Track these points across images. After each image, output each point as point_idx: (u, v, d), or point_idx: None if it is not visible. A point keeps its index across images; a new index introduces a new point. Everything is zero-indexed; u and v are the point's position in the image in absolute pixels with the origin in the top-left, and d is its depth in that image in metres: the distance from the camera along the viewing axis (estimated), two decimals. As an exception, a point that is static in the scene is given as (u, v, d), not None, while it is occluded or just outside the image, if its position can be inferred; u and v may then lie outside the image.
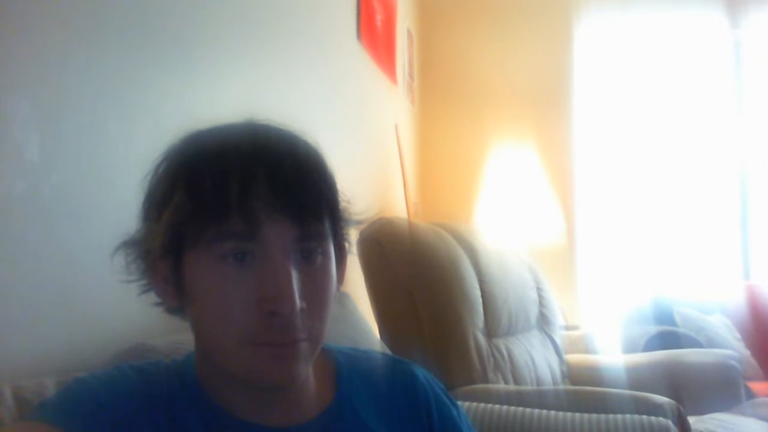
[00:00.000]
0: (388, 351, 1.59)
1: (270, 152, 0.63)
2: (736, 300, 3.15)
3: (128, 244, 0.67)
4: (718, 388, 2.25)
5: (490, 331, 2.02)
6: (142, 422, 0.63)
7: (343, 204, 0.69)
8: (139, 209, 0.66)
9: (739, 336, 2.95)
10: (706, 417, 1.99)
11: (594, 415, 1.44)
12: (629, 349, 2.71)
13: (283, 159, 0.62)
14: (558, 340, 2.47)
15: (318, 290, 0.64)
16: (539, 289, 2.46)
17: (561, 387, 2.21)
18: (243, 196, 0.60)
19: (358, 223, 0.72)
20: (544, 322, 2.43)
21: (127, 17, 1.12)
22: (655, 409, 1.46)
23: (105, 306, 1.02)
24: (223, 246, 0.61)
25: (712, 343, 2.74)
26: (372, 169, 2.67)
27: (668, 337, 2.74)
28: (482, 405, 1.52)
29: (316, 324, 0.64)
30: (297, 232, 0.62)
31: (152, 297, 0.69)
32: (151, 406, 0.64)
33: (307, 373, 0.69)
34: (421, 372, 0.79)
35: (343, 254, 0.72)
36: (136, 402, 0.63)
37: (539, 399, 1.59)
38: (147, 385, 0.66)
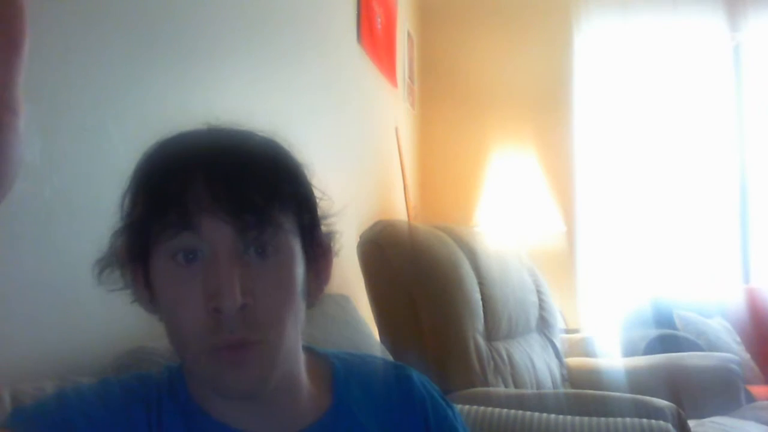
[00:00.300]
0: (388, 353, 1.58)
1: (212, 150, 0.64)
2: (736, 303, 3.15)
3: (108, 256, 0.67)
4: (718, 392, 2.25)
5: (490, 334, 2.02)
6: None
7: (313, 200, 0.68)
8: (119, 219, 0.67)
9: (739, 339, 2.95)
10: (706, 420, 1.98)
11: (594, 419, 1.44)
12: (629, 352, 2.71)
13: (225, 155, 0.63)
14: (558, 344, 2.46)
15: (270, 287, 0.62)
16: (539, 292, 2.46)
17: (561, 390, 2.21)
18: (180, 192, 0.61)
19: (328, 217, 0.70)
20: (544, 325, 2.43)
21: (128, 17, 1.12)
22: (655, 413, 1.46)
23: (105, 308, 1.02)
24: (166, 244, 0.61)
25: (712, 347, 2.74)
26: (372, 172, 2.67)
27: (668, 341, 2.74)
28: (482, 408, 1.51)
29: (272, 324, 0.62)
30: (236, 224, 0.61)
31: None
32: (130, 424, 0.63)
33: (294, 383, 0.68)
34: (416, 375, 0.79)
35: (321, 252, 0.70)
36: (111, 419, 0.63)
37: (539, 402, 1.58)
38: (129, 402, 0.65)
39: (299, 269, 0.65)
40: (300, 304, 0.65)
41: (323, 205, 0.69)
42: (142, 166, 0.66)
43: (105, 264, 0.67)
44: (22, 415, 0.61)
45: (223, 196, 0.60)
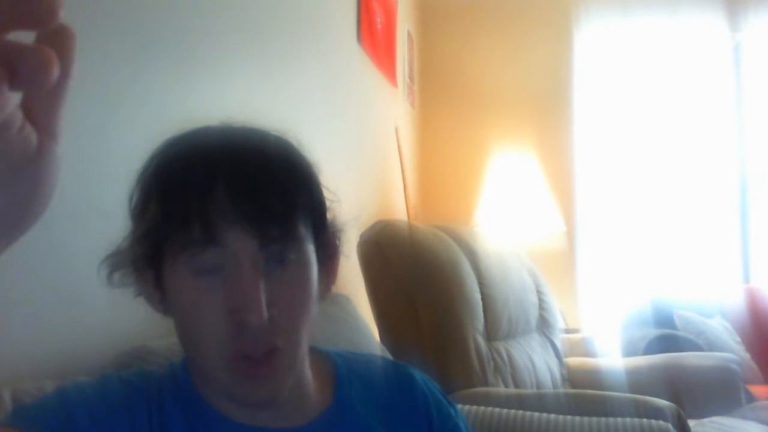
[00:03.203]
0: (388, 354, 1.58)
1: (232, 158, 0.62)
2: (735, 303, 3.15)
3: (116, 255, 0.67)
4: (718, 392, 2.25)
5: (490, 334, 2.02)
6: None
7: (325, 202, 0.68)
8: (127, 217, 0.66)
9: (738, 339, 2.95)
10: (706, 420, 1.99)
11: (594, 419, 1.44)
12: (629, 352, 2.71)
13: (243, 160, 0.62)
14: (558, 344, 2.46)
15: (292, 296, 0.63)
16: (539, 292, 2.46)
17: (561, 390, 2.21)
18: (202, 204, 0.60)
19: (343, 221, 0.71)
20: (544, 325, 2.43)
21: (128, 18, 1.12)
22: (655, 413, 1.46)
23: (106, 308, 1.02)
24: (189, 257, 0.60)
25: (712, 347, 2.74)
26: (372, 172, 2.67)
27: (668, 341, 2.74)
28: (482, 408, 1.51)
29: (292, 332, 0.63)
30: (261, 238, 0.60)
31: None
32: (132, 418, 0.63)
33: (300, 380, 0.69)
34: (418, 374, 0.79)
35: (330, 253, 0.70)
36: (113, 414, 0.62)
37: (539, 402, 1.59)
38: (130, 397, 0.65)
39: (315, 274, 0.66)
40: (314, 309, 0.66)
41: (333, 206, 0.69)
42: (153, 167, 0.64)
43: (113, 265, 0.67)
44: (24, 413, 0.61)
45: (247, 208, 0.60)
